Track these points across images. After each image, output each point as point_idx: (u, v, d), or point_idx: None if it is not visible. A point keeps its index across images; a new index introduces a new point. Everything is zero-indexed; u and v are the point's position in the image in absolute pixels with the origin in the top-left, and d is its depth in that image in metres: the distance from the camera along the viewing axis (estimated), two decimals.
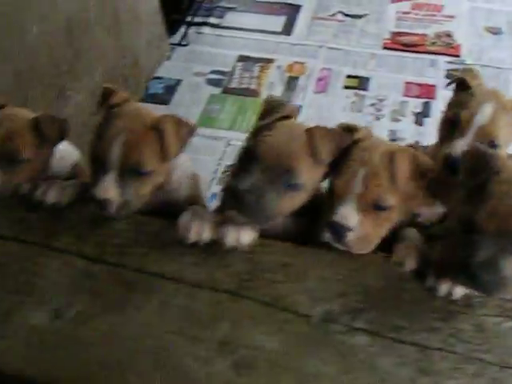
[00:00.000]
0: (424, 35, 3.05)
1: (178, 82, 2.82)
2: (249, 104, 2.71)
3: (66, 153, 1.51)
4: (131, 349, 1.14)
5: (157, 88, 2.78)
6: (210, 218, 1.29)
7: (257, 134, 1.25)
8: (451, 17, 3.16)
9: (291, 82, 2.81)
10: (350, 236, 1.20)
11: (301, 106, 2.66)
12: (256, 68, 2.87)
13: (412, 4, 3.23)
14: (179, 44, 3.06)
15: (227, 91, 2.76)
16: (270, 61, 2.91)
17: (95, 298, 1.22)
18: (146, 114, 1.32)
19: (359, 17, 3.16)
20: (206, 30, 3.14)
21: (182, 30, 3.11)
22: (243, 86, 2.80)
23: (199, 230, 1.27)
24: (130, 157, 1.25)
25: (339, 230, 1.20)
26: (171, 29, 2.97)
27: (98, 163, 1.27)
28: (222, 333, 1.15)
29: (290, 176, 1.19)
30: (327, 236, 1.22)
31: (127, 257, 1.29)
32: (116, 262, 1.29)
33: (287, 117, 1.27)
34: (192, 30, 3.09)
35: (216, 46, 3.03)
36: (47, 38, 2.00)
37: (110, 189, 1.25)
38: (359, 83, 2.83)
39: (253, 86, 2.80)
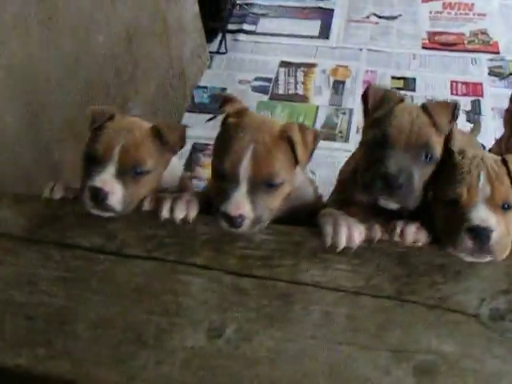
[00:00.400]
0: (461, 34, 3.03)
1: (223, 90, 2.74)
2: (299, 109, 2.65)
3: (173, 165, 1.43)
4: (302, 364, 1.08)
5: (202, 97, 2.71)
6: (353, 221, 1.24)
7: (377, 123, 1.26)
8: (483, 15, 3.15)
9: (338, 86, 2.76)
10: (494, 238, 1.15)
11: (351, 110, 2.58)
12: (300, 73, 2.81)
13: (443, 3, 3.21)
14: (217, 52, 2.98)
15: (275, 98, 2.70)
16: (312, 65, 2.86)
17: (252, 314, 1.16)
18: (270, 122, 1.27)
19: (393, 18, 3.13)
20: (242, 37, 3.08)
21: (218, 38, 3.01)
22: (290, 92, 2.74)
23: (350, 235, 1.21)
24: (262, 169, 1.19)
25: (482, 234, 1.15)
26: (207, 37, 2.88)
27: (223, 177, 1.22)
28: (395, 340, 1.10)
29: (428, 149, 1.22)
30: (467, 245, 1.17)
31: (276, 269, 1.23)
32: (265, 275, 1.22)
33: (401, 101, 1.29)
34: (228, 37, 3.01)
35: (255, 53, 2.97)
36: (111, 47, 1.93)
37: (242, 205, 1.19)
38: (405, 84, 2.79)
39: (300, 92, 2.73)
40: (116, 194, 1.25)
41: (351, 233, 1.21)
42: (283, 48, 2.96)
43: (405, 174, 1.20)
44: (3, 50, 1.40)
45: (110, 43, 1.89)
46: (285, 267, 1.22)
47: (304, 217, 1.32)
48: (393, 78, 2.81)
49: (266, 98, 2.70)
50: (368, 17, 3.12)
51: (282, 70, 2.84)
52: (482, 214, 1.16)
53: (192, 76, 2.56)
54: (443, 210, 1.23)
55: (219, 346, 1.12)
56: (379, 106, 1.31)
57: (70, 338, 1.14)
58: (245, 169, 1.16)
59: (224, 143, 1.22)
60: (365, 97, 1.35)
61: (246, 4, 3.26)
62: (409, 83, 2.79)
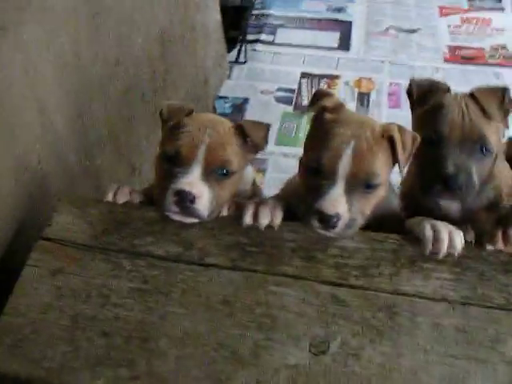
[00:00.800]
0: (481, 48, 2.96)
1: (245, 100, 2.64)
2: None
3: (247, 168, 1.31)
4: (417, 381, 0.99)
5: (224, 108, 2.60)
6: (452, 227, 1.14)
7: (428, 119, 1.20)
8: (501, 30, 3.09)
9: (363, 98, 2.67)
10: None
11: None
12: (323, 84, 2.71)
13: (461, 18, 3.16)
14: (236, 62, 2.87)
15: (299, 108, 2.59)
16: (335, 77, 2.78)
17: (356, 327, 1.06)
18: (369, 119, 1.18)
19: (412, 31, 3.07)
20: (260, 47, 2.99)
21: (237, 47, 2.91)
22: None
23: (451, 241, 1.11)
24: (362, 168, 1.09)
25: None
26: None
27: (318, 174, 1.12)
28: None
29: (483, 142, 1.17)
30: None
31: (375, 278, 1.12)
32: (364, 285, 1.12)
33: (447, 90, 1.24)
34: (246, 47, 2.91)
35: (275, 63, 2.89)
36: (147, 50, 1.81)
37: (339, 203, 1.09)
38: None
39: None
40: (203, 198, 1.13)
41: (453, 238, 1.11)
42: (304, 59, 2.88)
43: (464, 172, 1.15)
44: (53, 44, 1.27)
45: (147, 46, 1.78)
46: (384, 277, 1.12)
47: (386, 227, 1.21)
48: None
49: (290, 108, 2.60)
50: (387, 30, 3.06)
51: (304, 80, 2.75)
52: None
53: (214, 86, 2.44)
54: None
55: (325, 362, 1.02)
56: (425, 98, 1.24)
57: (154, 356, 1.01)
58: (344, 165, 1.07)
59: (320, 138, 1.13)
60: (409, 91, 1.29)
61: (262, 14, 3.17)
62: None
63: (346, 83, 2.77)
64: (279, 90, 2.74)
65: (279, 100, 2.69)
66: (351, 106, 2.64)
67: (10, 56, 1.14)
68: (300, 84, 2.77)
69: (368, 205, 1.14)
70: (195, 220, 1.15)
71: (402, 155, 1.13)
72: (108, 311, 1.08)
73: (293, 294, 1.10)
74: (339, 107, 1.18)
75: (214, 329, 1.06)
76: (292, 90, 2.73)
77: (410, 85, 1.28)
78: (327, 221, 1.08)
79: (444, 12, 3.24)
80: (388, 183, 1.21)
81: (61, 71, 1.32)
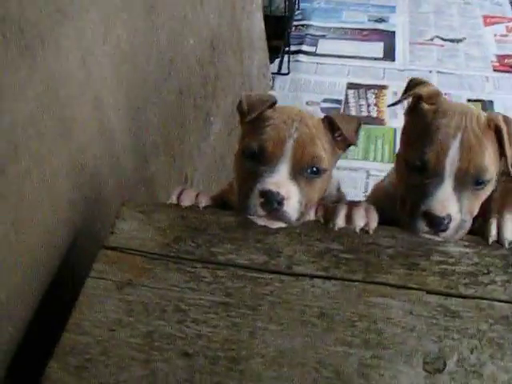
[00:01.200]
0: None
1: None
2: (377, 132, 2.43)
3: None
4: None
5: None
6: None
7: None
8: None
9: None
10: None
11: None
12: (370, 95, 2.59)
13: (506, 26, 3.03)
14: (279, 73, 2.75)
15: None
16: (383, 87, 2.65)
17: (473, 341, 0.93)
18: (471, 108, 1.04)
19: (458, 41, 2.94)
20: (302, 57, 2.88)
21: (278, 58, 2.79)
22: (363, 114, 2.49)
23: None
24: (472, 162, 0.97)
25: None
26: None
27: (421, 172, 1.00)
28: None
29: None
30: None
31: (487, 287, 1.00)
32: (476, 295, 1.00)
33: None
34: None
35: (319, 74, 2.78)
36: (199, 53, 1.68)
37: (450, 203, 0.97)
38: (482, 107, 2.58)
39: (374, 114, 2.50)
40: (292, 200, 0.99)
41: None
42: (348, 69, 2.76)
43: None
44: (110, 35, 1.14)
45: (198, 48, 1.66)
46: (496, 284, 0.99)
47: None
48: (469, 100, 2.58)
49: None
50: (432, 39, 2.93)
51: (351, 91, 2.62)
52: None
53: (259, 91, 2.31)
54: None
55: (443, 381, 0.88)
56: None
57: (246, 378, 0.87)
58: (452, 161, 0.96)
59: (421, 132, 1.01)
60: None
61: (302, 25, 3.06)
62: (486, 106, 2.56)
63: (395, 93, 2.63)
64: (325, 100, 2.62)
65: (325, 111, 2.57)
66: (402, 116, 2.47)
67: (68, 43, 1.01)
68: (347, 95, 2.63)
69: (477, 203, 1.01)
70: (282, 225, 1.01)
71: (509, 148, 0.99)
72: (188, 328, 0.94)
73: (397, 306, 0.97)
74: (436, 96, 1.05)
75: (313, 346, 0.91)
76: (338, 101, 2.61)
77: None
78: (437, 224, 0.96)
79: (488, 21, 3.12)
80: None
81: (118, 66, 1.20)
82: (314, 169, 1.02)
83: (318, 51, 2.94)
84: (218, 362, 0.90)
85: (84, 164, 1.12)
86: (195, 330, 0.93)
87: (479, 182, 0.99)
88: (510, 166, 1.00)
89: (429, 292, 0.98)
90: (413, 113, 1.06)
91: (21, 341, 0.98)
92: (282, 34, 2.80)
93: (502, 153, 1.01)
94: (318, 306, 0.95)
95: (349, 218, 1.03)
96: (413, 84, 1.08)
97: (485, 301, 0.96)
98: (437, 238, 1.01)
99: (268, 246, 1.02)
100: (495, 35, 3.03)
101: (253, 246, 1.02)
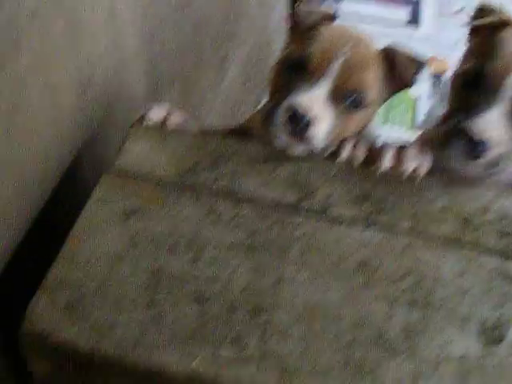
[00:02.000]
0: None
1: None
2: (397, 100, 2.24)
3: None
4: None
5: None
6: None
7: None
8: None
9: (436, 78, 2.36)
10: None
11: None
12: None
13: None
14: None
15: None
16: None
17: None
18: None
19: None
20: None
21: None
22: None
23: None
24: None
25: None
26: None
27: (475, 90, 0.88)
28: None
29: None
30: None
31: None
32: None
33: None
34: None
35: None
36: None
37: (494, 126, 0.85)
38: None
39: None
40: (323, 124, 0.87)
41: None
42: (371, 33, 2.54)
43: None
44: None
45: None
46: None
47: None
48: None
49: None
50: (461, 10, 2.74)
51: None
52: None
53: (276, 52, 2.12)
54: None
55: (500, 355, 0.74)
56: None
57: (270, 333, 0.70)
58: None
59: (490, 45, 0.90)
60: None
61: None
62: None
63: None
64: None
65: None
66: (425, 85, 2.33)
67: None
68: None
69: None
70: (304, 149, 0.90)
71: None
72: (202, 269, 0.77)
73: (449, 264, 0.82)
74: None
75: (350, 301, 0.76)
76: None
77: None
78: (473, 147, 0.85)
79: None
80: None
81: None
82: (358, 98, 0.89)
83: (339, 13, 2.75)
84: (235, 311, 0.74)
85: (92, 78, 0.96)
86: (211, 272, 0.78)
87: None
88: None
89: (485, 252, 0.83)
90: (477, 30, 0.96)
91: (3, 272, 0.81)
92: None
93: None
94: (357, 256, 0.80)
95: (397, 160, 0.86)
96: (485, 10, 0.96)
97: None
98: (469, 169, 0.90)
99: (301, 183, 0.87)
100: None
101: (283, 181, 0.87)
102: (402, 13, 2.72)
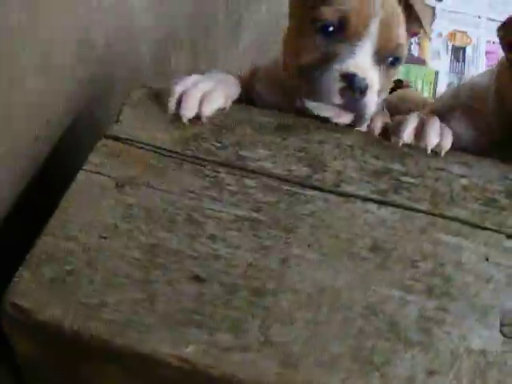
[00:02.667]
0: None
1: None
2: (417, 72, 2.18)
3: None
4: None
5: None
6: None
7: None
8: None
9: (457, 52, 2.28)
10: None
11: None
12: None
13: None
14: None
15: None
16: None
17: None
18: None
19: None
20: None
21: None
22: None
23: None
24: None
25: None
26: None
27: None
28: None
29: None
30: None
31: None
32: None
33: None
34: None
35: None
36: None
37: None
38: None
39: (415, 53, 2.23)
40: (374, 90, 0.81)
41: None
42: None
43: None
44: None
45: None
46: None
47: None
48: None
49: None
50: None
51: None
52: None
53: None
54: None
55: None
56: None
57: (272, 318, 0.65)
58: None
59: None
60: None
61: None
62: None
63: (439, 35, 2.38)
64: None
65: None
66: (445, 59, 2.25)
67: None
68: None
69: None
70: (354, 118, 0.83)
71: None
72: (202, 246, 0.71)
73: (471, 248, 0.76)
74: None
75: (361, 286, 0.69)
76: None
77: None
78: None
79: None
80: None
81: None
82: (396, 57, 0.83)
83: None
84: (236, 293, 0.67)
85: (94, 41, 0.89)
86: (211, 249, 0.70)
87: None
88: None
89: (509, 237, 0.76)
90: None
91: None
92: None
93: None
94: (371, 236, 0.72)
95: (418, 134, 0.78)
96: None
97: None
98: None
99: (312, 156, 0.79)
100: None
101: (293, 154, 0.79)
102: None
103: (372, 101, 0.79)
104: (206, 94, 0.82)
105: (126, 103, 0.86)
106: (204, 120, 0.82)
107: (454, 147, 0.83)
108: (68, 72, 0.87)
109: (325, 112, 0.80)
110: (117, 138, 0.82)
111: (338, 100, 0.78)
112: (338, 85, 0.77)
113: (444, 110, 0.94)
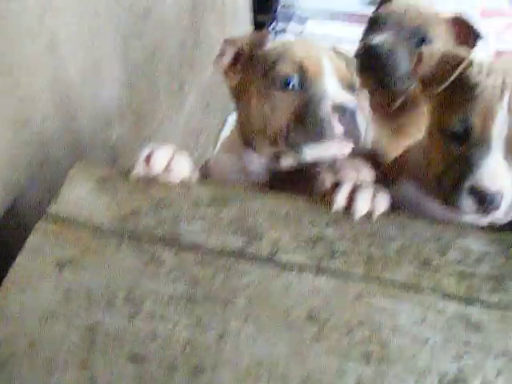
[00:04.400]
0: None
1: None
2: None
3: None
4: None
5: None
6: None
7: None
8: None
9: None
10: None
11: None
12: None
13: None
14: None
15: None
16: None
17: (498, 362, 0.74)
18: None
19: None
20: (289, 37, 2.62)
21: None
22: None
23: None
24: None
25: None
26: None
27: (462, 139, 0.83)
28: None
29: None
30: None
31: None
32: (503, 304, 0.79)
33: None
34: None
35: None
36: (176, 14, 1.43)
37: (501, 177, 0.80)
38: None
39: None
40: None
41: None
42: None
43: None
44: None
45: (177, 9, 1.41)
46: None
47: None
48: None
49: None
50: None
51: None
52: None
53: None
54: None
55: None
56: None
57: None
58: (500, 126, 0.80)
59: (461, 94, 0.84)
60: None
61: (292, 4, 2.83)
62: None
63: None
64: None
65: None
66: None
67: None
68: None
69: None
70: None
71: None
72: (140, 324, 0.71)
73: (406, 311, 0.77)
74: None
75: (299, 356, 0.71)
76: None
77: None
78: (489, 201, 0.79)
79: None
80: None
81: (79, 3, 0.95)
82: None
83: (306, 32, 2.72)
84: (175, 371, 0.68)
85: (31, 117, 0.89)
86: (149, 328, 0.72)
87: None
88: None
89: (445, 297, 0.78)
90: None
91: None
92: (268, 10, 2.57)
93: None
94: (307, 305, 0.74)
95: (351, 199, 0.81)
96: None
97: None
98: (483, 220, 0.84)
99: (248, 226, 0.81)
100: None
101: (228, 225, 0.81)
102: None
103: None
104: (175, 155, 0.84)
105: (65, 182, 0.87)
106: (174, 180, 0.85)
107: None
108: (6, 152, 0.88)
109: (328, 150, 0.85)
110: (56, 219, 0.83)
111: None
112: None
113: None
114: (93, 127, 1.11)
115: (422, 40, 1.11)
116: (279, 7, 2.66)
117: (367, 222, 0.83)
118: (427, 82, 0.86)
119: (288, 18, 2.71)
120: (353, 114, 0.83)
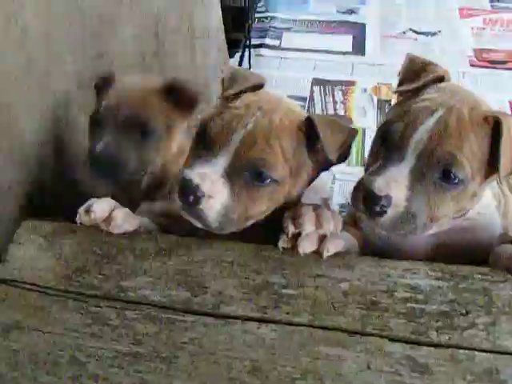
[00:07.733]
0: (510, 51, 2.60)
1: None
2: None
3: (323, 180, 0.98)
4: None
5: None
6: None
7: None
8: None
9: (383, 106, 2.30)
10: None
11: None
12: (338, 92, 2.37)
13: (483, 19, 2.83)
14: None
15: None
16: (351, 83, 2.44)
17: None
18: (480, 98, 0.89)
19: (432, 34, 2.74)
20: (265, 52, 2.64)
21: (239, 52, 2.56)
22: (329, 112, 2.27)
23: None
24: (443, 147, 0.81)
25: None
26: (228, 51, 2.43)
27: (387, 147, 0.85)
28: None
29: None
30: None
31: (465, 331, 0.80)
32: (452, 343, 0.79)
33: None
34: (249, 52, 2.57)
35: (283, 70, 2.56)
36: (138, 43, 1.43)
37: (397, 185, 0.81)
38: None
39: (341, 112, 2.28)
40: (216, 202, 0.81)
41: None
42: (315, 64, 2.55)
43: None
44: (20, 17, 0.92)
45: (139, 38, 1.40)
46: (478, 329, 0.79)
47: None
48: None
49: None
50: (404, 32, 2.72)
51: (317, 88, 2.41)
52: None
53: (215, 91, 2.09)
54: None
55: None
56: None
57: None
58: (419, 137, 0.81)
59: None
60: None
61: (266, 17, 2.83)
62: None
63: (364, 90, 2.42)
64: (289, 98, 2.36)
65: None
66: (371, 114, 2.29)
67: None
68: (312, 91, 2.40)
69: (445, 206, 0.84)
70: (202, 226, 0.83)
71: (506, 152, 0.82)
72: None
73: (351, 358, 0.77)
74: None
75: None
76: (303, 98, 2.40)
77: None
78: (372, 202, 0.80)
79: (465, 13, 2.91)
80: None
81: (26, 56, 0.96)
82: (259, 174, 0.83)
83: (283, 45, 2.72)
84: None
85: None
86: None
87: (448, 176, 0.82)
88: (500, 175, 0.83)
89: (391, 339, 0.78)
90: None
91: None
92: (242, 26, 2.57)
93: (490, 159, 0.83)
94: (251, 357, 0.74)
95: (295, 242, 0.81)
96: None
97: (462, 350, 0.77)
98: (377, 227, 0.84)
99: (192, 278, 0.81)
100: (472, 28, 2.82)
101: (173, 278, 0.81)
102: (346, 42, 2.66)
103: (211, 209, 0.81)
104: (116, 206, 0.86)
105: (12, 241, 0.87)
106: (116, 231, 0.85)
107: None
108: None
109: (182, 213, 0.84)
110: (2, 281, 0.83)
111: (178, 202, 0.82)
112: (178, 190, 0.81)
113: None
114: (57, 175, 1.11)
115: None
116: (254, 24, 2.64)
117: (313, 265, 0.82)
118: None
119: (263, 33, 2.70)
120: (196, 198, 0.80)
